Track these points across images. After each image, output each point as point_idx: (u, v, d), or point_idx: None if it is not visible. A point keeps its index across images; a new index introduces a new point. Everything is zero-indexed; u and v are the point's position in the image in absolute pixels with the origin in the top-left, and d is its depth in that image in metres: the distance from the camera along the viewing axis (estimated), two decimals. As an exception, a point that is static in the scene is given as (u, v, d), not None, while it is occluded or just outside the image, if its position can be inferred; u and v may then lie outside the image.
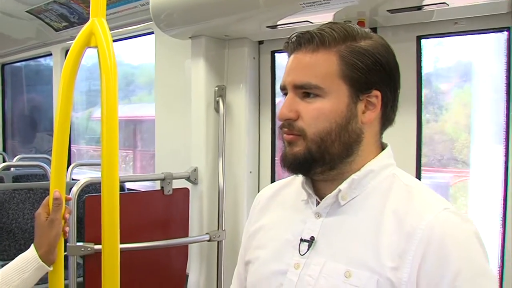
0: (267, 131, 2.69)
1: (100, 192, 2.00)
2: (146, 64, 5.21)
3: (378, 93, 1.07)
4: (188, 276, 2.73)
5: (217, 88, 2.61)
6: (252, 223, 1.28)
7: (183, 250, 2.68)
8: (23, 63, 6.08)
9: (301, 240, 1.10)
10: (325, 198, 1.09)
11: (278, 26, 2.35)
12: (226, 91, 2.64)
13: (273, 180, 2.69)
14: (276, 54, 2.71)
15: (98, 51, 1.16)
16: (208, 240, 2.54)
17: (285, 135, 1.09)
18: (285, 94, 1.11)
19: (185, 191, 2.64)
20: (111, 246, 1.18)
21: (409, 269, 0.96)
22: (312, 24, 2.20)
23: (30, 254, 1.28)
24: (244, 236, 1.32)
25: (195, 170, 2.60)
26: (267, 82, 2.70)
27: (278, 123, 1.12)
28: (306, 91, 1.06)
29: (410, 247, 0.97)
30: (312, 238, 1.09)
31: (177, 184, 2.60)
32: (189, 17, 2.46)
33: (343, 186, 1.07)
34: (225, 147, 2.60)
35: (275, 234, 1.18)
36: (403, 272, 0.96)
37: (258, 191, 2.65)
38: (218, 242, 2.57)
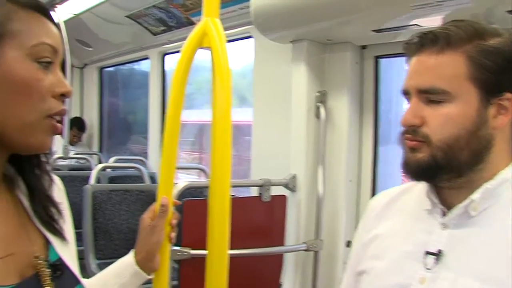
0: (368, 138, 2.59)
1: (197, 196, 1.97)
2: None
3: (511, 95, 0.98)
4: (281, 285, 2.67)
5: (318, 93, 2.54)
6: (367, 231, 1.21)
7: (278, 259, 2.63)
8: (117, 67, 6.28)
9: (427, 252, 1.02)
10: (454, 208, 1.02)
11: (384, 30, 2.25)
12: (327, 97, 2.56)
13: (374, 189, 2.60)
14: (380, 60, 2.61)
15: (211, 52, 1.12)
16: (305, 250, 2.47)
17: (407, 141, 1.02)
18: (408, 98, 1.03)
19: (283, 198, 2.58)
20: (219, 253, 1.13)
21: None
22: (420, 27, 2.09)
23: (128, 259, 1.23)
24: (357, 244, 1.25)
25: (294, 177, 2.54)
26: (370, 88, 2.60)
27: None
28: (431, 96, 0.99)
29: None
30: (440, 251, 1.01)
31: (274, 191, 2.55)
32: (291, 21, 2.40)
33: (475, 196, 0.99)
34: (325, 155, 2.53)
35: (393, 244, 1.11)
36: None
37: (358, 201, 2.60)
38: (315, 252, 2.49)
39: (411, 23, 2.10)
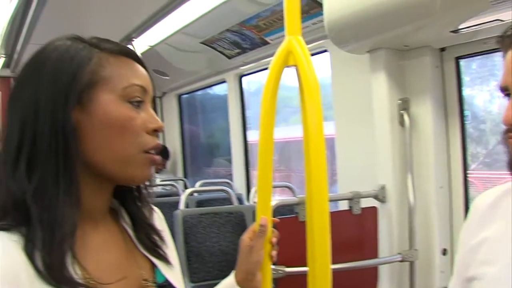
0: (456, 142, 2.51)
1: (284, 214, 1.96)
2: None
3: None
4: (377, 299, 2.62)
5: (400, 101, 2.50)
6: (473, 235, 1.15)
7: (373, 271, 2.58)
8: (193, 93, 6.42)
9: None
10: None
11: (462, 30, 2.19)
12: (410, 104, 2.51)
13: (466, 194, 2.51)
14: (461, 61, 2.54)
15: (297, 70, 1.14)
16: (400, 261, 2.42)
17: None
18: (507, 95, 0.99)
19: (374, 210, 2.55)
20: (322, 269, 1.14)
21: None
22: (503, 22, 2.02)
23: (229, 280, 1.25)
24: (463, 249, 1.20)
25: (383, 187, 2.50)
26: (453, 91, 2.53)
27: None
28: None
29: None
30: None
31: (364, 203, 2.53)
32: (366, 31, 2.38)
33: None
34: (413, 162, 2.48)
35: (504, 248, 1.05)
36: None
37: (450, 207, 2.52)
38: (410, 262, 2.44)
39: (492, 19, 2.04)
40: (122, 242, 1.01)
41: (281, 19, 3.37)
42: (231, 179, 4.91)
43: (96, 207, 0.96)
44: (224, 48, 4.29)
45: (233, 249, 3.34)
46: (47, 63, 0.90)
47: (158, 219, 1.13)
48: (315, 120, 1.07)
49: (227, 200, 4.12)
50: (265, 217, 1.21)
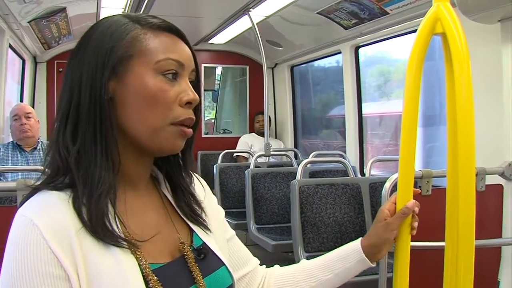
0: None
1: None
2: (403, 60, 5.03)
3: None
4: (499, 282, 2.51)
5: (534, 74, 2.35)
6: None
7: (495, 253, 2.47)
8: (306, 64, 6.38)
9: None
10: None
11: None
12: (543, 77, 2.36)
13: None
14: None
15: (446, 37, 1.09)
16: (527, 243, 2.30)
17: None
18: None
19: (499, 188, 2.43)
20: (466, 246, 1.13)
21: None
22: None
23: (355, 245, 1.25)
24: None
25: (510, 165, 2.38)
26: None
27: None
28: None
29: None
30: None
31: (489, 179, 2.41)
32: (501, -2, 2.25)
33: None
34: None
35: None
36: None
37: None
38: (538, 246, 2.31)
39: None
40: (162, 207, 1.08)
41: (403, -13, 3.28)
42: (343, 152, 4.87)
43: (136, 174, 1.03)
44: (341, 18, 4.23)
45: (348, 221, 3.32)
46: (91, 38, 0.98)
47: (199, 188, 1.19)
48: (465, 91, 1.05)
49: (339, 172, 4.10)
50: (412, 201, 1.19)
